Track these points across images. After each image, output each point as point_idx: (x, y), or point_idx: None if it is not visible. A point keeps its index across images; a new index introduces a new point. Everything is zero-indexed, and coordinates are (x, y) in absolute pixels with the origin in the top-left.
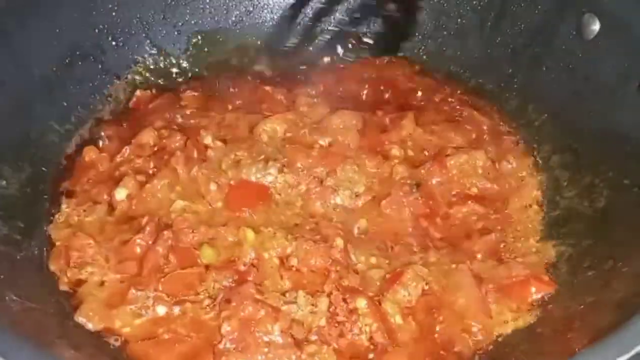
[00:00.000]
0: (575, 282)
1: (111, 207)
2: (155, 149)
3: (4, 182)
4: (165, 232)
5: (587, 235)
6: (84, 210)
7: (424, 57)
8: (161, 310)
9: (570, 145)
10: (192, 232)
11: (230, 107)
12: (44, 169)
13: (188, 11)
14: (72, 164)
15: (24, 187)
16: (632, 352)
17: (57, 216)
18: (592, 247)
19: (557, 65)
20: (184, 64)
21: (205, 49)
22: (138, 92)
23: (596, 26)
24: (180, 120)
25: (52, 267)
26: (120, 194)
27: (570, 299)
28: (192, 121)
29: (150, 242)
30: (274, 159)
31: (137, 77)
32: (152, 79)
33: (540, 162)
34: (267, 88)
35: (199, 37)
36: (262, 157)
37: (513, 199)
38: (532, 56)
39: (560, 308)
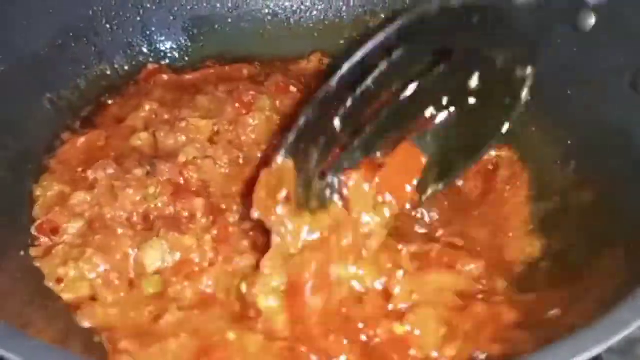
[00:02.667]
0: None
1: None
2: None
3: None
4: None
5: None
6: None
7: None
8: None
9: (560, 140)
10: None
11: None
12: (31, 149)
13: None
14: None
15: (10, 167)
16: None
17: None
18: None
19: (552, 60)
20: (180, 50)
21: (202, 36)
22: (149, 66)
23: (592, 19)
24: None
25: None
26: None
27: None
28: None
29: None
30: None
31: (131, 62)
32: (147, 65)
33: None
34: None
35: (195, 22)
36: None
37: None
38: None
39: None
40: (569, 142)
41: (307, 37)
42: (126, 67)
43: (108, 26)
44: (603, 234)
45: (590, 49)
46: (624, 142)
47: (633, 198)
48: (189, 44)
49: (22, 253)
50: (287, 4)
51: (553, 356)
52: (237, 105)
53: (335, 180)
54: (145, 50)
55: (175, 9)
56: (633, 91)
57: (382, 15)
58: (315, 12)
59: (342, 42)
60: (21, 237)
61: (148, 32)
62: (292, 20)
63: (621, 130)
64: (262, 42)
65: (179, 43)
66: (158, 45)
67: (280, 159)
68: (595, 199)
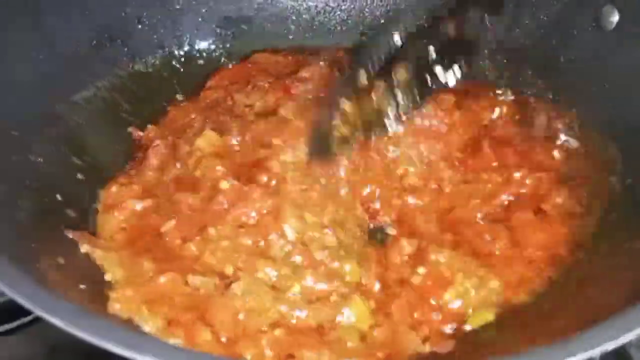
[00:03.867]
0: (592, 264)
1: None
2: None
3: (40, 159)
4: None
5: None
6: None
7: None
8: None
9: (589, 135)
10: None
11: None
12: (73, 144)
13: None
14: None
15: (57, 162)
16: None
17: None
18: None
19: (575, 57)
20: (208, 51)
21: (229, 36)
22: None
23: (615, 17)
24: None
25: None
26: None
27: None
28: None
29: None
30: None
31: (161, 62)
32: (176, 64)
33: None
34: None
35: (222, 23)
36: None
37: None
38: (550, 48)
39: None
40: (598, 138)
41: (330, 37)
42: (158, 67)
43: (140, 27)
44: (627, 226)
45: (614, 45)
46: None
47: None
48: (217, 44)
49: None
50: (311, 4)
51: (575, 346)
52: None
53: None
54: (175, 50)
55: (204, 10)
56: None
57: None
58: (339, 12)
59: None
60: None
61: (178, 33)
62: (316, 20)
63: None
64: (287, 42)
65: (208, 43)
66: (188, 46)
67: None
68: (621, 193)
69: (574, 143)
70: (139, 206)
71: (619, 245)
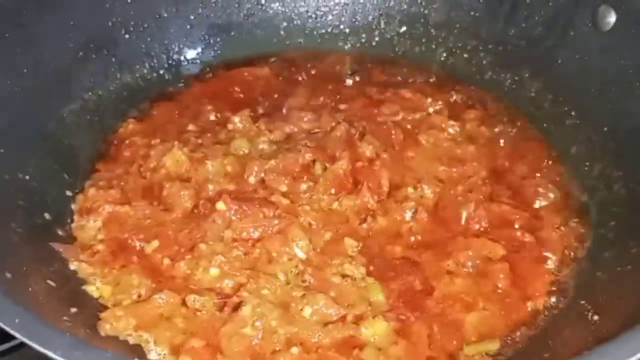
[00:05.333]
0: (597, 272)
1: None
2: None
3: (30, 177)
4: None
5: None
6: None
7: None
8: None
9: (588, 138)
10: None
11: None
12: (62, 160)
13: (200, 4)
14: None
15: (47, 179)
16: None
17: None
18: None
19: (572, 58)
20: (197, 57)
21: (218, 44)
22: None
23: (612, 18)
24: None
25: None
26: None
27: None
28: None
29: None
30: None
31: (150, 71)
32: (164, 73)
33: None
34: None
35: (211, 30)
36: None
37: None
38: (547, 49)
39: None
40: (593, 138)
41: (321, 42)
42: (147, 76)
43: (127, 36)
44: (631, 232)
45: (611, 47)
46: None
47: None
48: (206, 52)
49: None
50: (302, 9)
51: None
52: None
53: None
54: (163, 58)
55: (192, 17)
56: None
57: (397, 19)
58: (330, 17)
59: (358, 45)
60: None
61: (166, 41)
62: (307, 25)
63: None
64: (278, 48)
65: (197, 51)
66: (176, 54)
67: None
68: (622, 195)
69: None
70: (114, 209)
71: (624, 252)
